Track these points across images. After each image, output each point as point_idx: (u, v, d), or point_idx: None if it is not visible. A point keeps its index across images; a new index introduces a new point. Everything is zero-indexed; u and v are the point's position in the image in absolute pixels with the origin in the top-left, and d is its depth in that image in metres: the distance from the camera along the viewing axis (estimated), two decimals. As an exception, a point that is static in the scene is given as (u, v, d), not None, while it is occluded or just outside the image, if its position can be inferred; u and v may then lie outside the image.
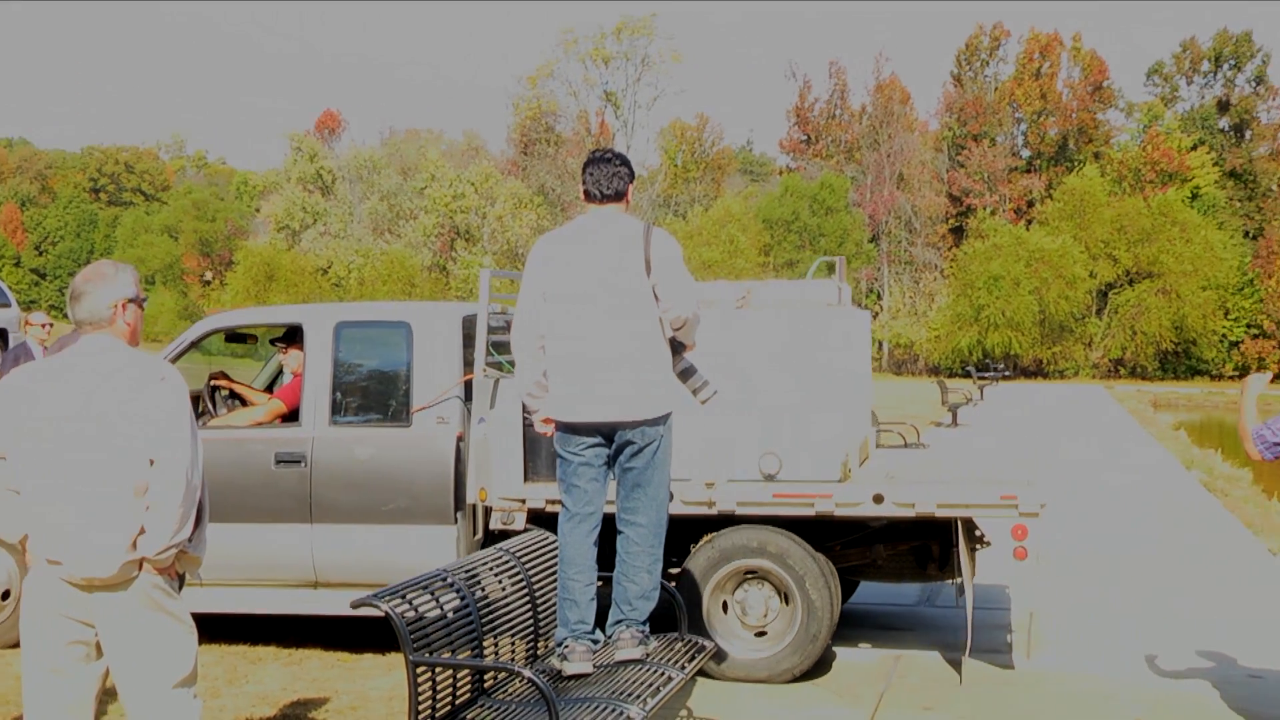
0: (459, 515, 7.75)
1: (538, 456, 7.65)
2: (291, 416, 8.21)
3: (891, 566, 8.23)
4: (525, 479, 7.69)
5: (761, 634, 7.59)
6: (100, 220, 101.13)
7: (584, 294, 5.73)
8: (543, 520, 7.45)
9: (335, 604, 7.82)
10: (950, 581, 8.12)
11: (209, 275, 62.23)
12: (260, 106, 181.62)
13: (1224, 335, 63.68)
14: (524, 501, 7.65)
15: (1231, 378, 62.21)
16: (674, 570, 8.11)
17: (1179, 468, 20.89)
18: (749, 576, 7.58)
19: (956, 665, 7.97)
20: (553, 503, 7.49)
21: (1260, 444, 6.17)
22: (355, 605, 4.98)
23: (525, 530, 7.34)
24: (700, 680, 7.41)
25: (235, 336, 9.39)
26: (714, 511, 7.47)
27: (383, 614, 4.92)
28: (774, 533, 7.49)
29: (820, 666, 7.67)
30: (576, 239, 5.88)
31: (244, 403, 8.79)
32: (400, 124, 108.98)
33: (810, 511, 7.40)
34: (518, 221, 66.21)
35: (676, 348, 5.95)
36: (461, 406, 7.85)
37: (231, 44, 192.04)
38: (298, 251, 68.00)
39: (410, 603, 5.08)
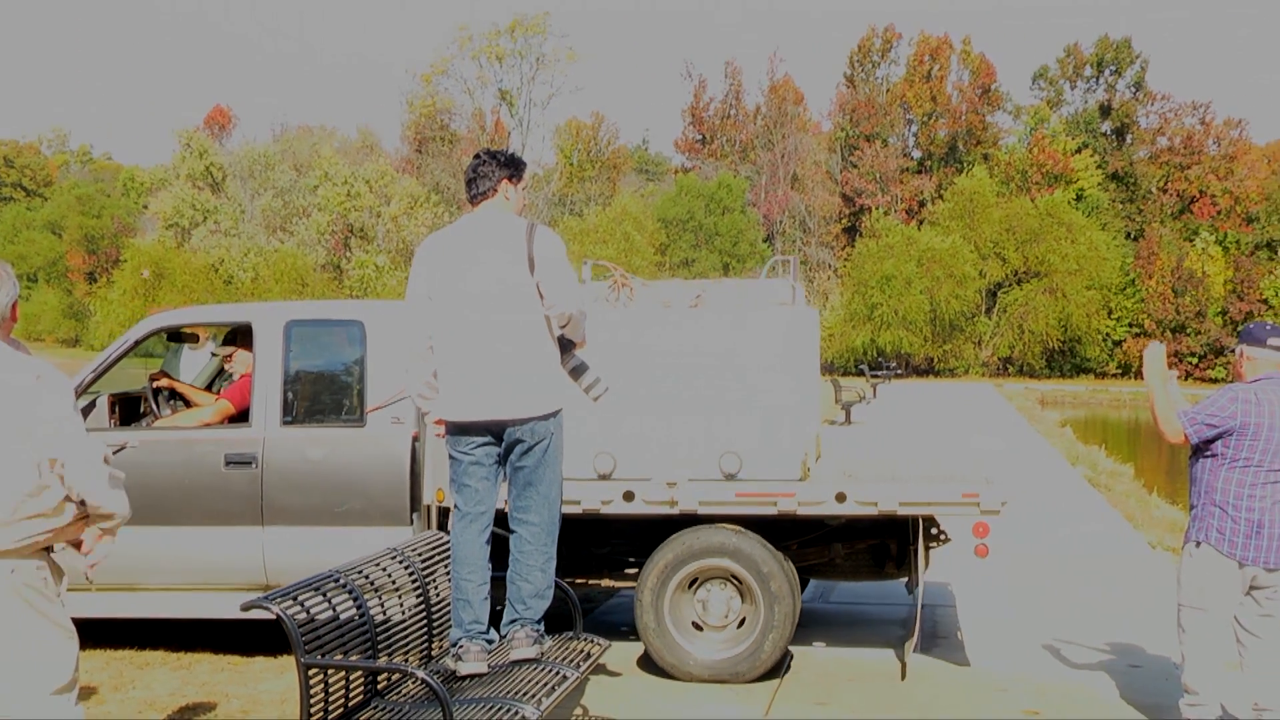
0: (414, 517, 7.64)
1: None
2: (240, 417, 8.04)
3: (849, 565, 8.24)
4: None
5: (723, 634, 7.57)
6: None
7: (468, 293, 5.74)
8: (500, 521, 7.36)
9: None
10: (904, 580, 8.14)
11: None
12: (147, 101, 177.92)
13: (1107, 334, 65.21)
14: None
15: (1115, 375, 63.77)
16: (632, 571, 8.12)
17: (1065, 464, 21.34)
18: (710, 577, 7.56)
19: (850, 661, 8.07)
20: None
21: (1192, 425, 6.29)
22: (245, 608, 4.90)
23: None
24: (595, 679, 7.41)
25: (177, 336, 9.20)
26: (676, 511, 7.43)
27: (274, 616, 4.84)
28: (735, 532, 7.47)
29: (779, 666, 7.68)
30: (459, 238, 5.90)
31: (187, 403, 8.59)
32: (292, 120, 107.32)
33: (773, 510, 7.39)
34: (413, 220, 65.65)
35: (566, 345, 5.97)
36: None
37: (116, 35, 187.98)
38: (188, 250, 66.72)
39: (302, 604, 5.01)
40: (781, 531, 7.71)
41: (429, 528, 7.64)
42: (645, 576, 7.53)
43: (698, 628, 7.59)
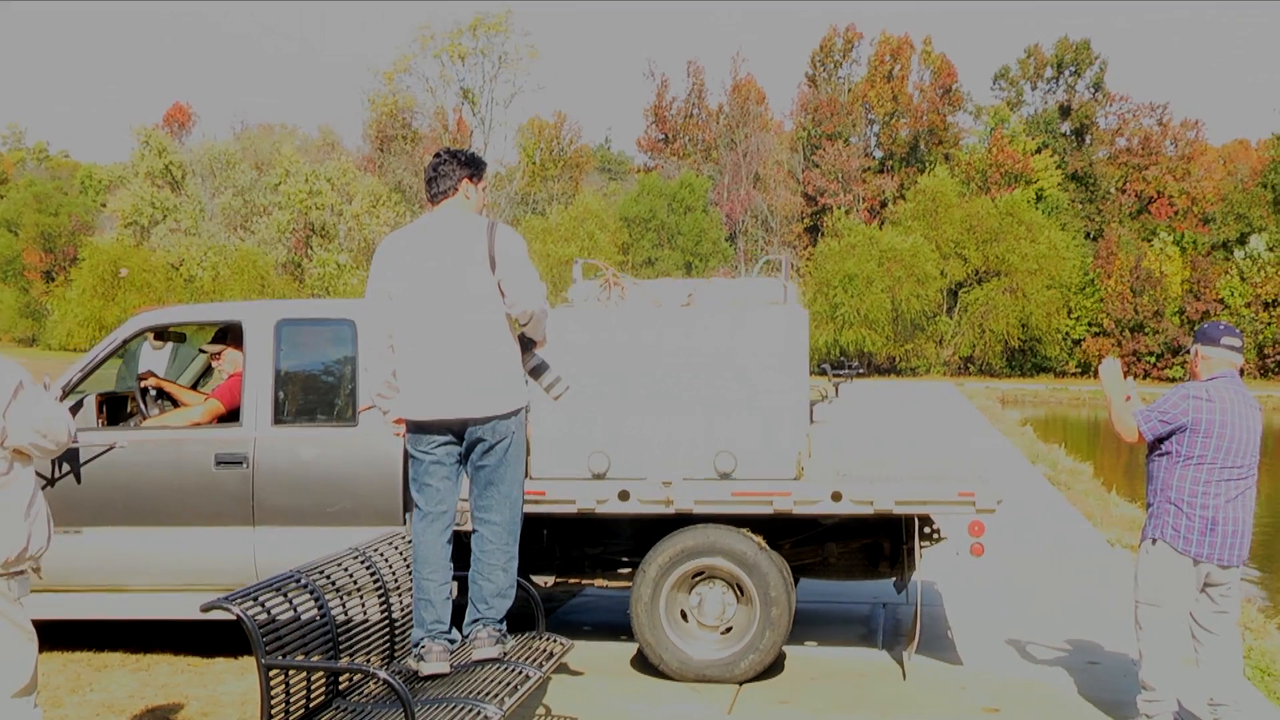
0: (407, 517, 7.56)
1: None
2: (229, 417, 7.99)
3: (842, 564, 8.21)
4: None
5: (719, 634, 7.55)
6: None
7: (429, 292, 5.74)
8: None
9: None
10: (897, 580, 8.14)
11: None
12: (105, 98, 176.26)
13: (1067, 333, 65.64)
14: None
15: (1074, 375, 64.17)
16: (625, 571, 8.09)
17: (1025, 462, 21.47)
18: (706, 576, 7.53)
19: (812, 659, 8.10)
20: None
21: (1146, 423, 6.43)
22: (205, 608, 4.87)
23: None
24: (558, 678, 7.41)
25: (164, 335, 9.13)
26: (671, 511, 7.40)
27: (234, 617, 4.82)
28: (730, 532, 7.44)
29: (774, 666, 7.65)
30: (419, 238, 5.90)
31: (174, 402, 8.52)
32: (252, 118, 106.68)
33: (769, 510, 7.36)
34: (375, 219, 65.37)
35: (526, 344, 5.98)
36: None
37: (73, 31, 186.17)
38: (147, 248, 66.17)
39: (262, 605, 4.99)
40: (775, 530, 7.69)
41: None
42: (641, 576, 7.50)
43: (690, 624, 7.56)
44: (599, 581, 8.41)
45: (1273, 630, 9.73)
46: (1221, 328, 6.56)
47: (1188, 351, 6.76)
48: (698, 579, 7.55)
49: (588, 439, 7.54)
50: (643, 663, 7.79)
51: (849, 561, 8.21)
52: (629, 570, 8.02)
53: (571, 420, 7.49)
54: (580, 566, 8.19)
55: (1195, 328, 6.68)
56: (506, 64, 72.60)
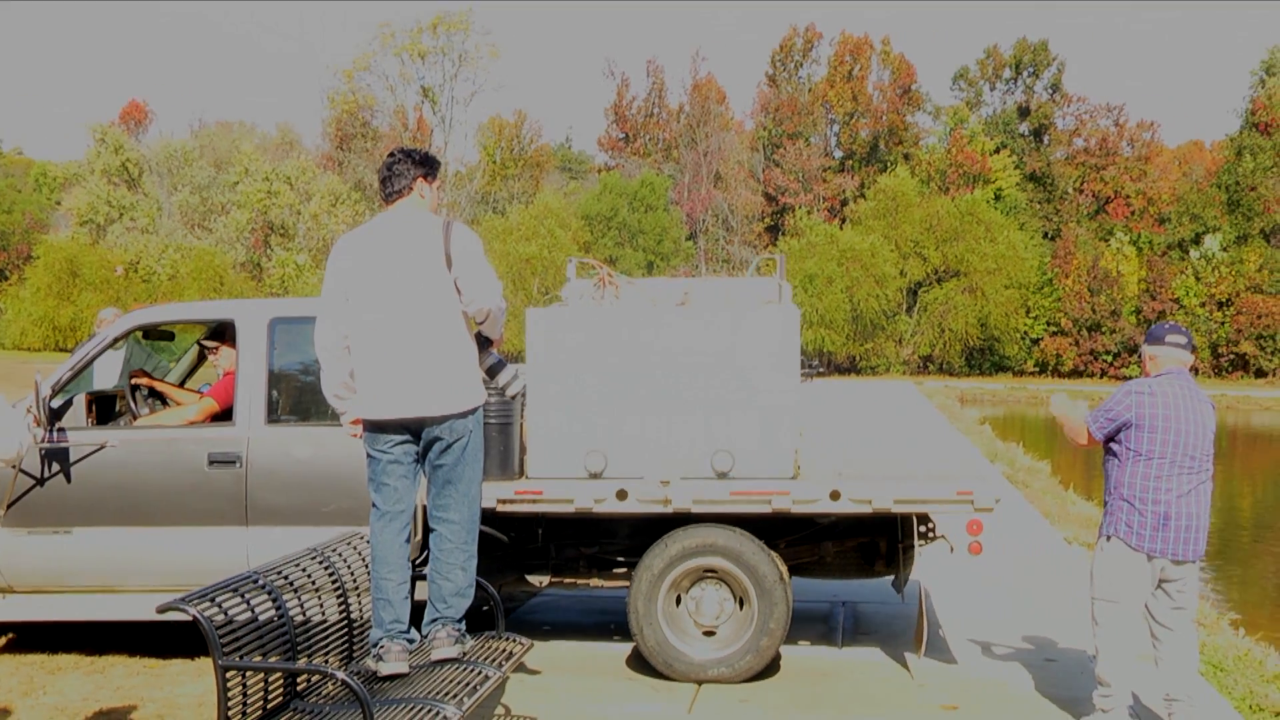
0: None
1: (486, 455, 7.47)
2: (223, 416, 7.92)
3: (838, 563, 8.20)
4: None
5: (717, 633, 7.53)
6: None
7: (385, 291, 5.74)
8: (491, 520, 7.27)
9: None
10: (894, 579, 8.13)
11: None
12: (59, 94, 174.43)
13: (1025, 333, 66.09)
14: None
15: (1032, 374, 64.63)
16: (620, 570, 8.06)
17: (984, 460, 21.57)
18: (703, 576, 7.51)
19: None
20: (504, 502, 7.35)
21: (1094, 423, 6.55)
22: (161, 610, 4.83)
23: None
24: (517, 677, 7.40)
25: (153, 333, 9.07)
26: (669, 510, 7.37)
27: (190, 618, 4.79)
28: (728, 531, 7.42)
29: (770, 667, 7.63)
30: (375, 237, 5.89)
31: (164, 401, 8.45)
32: (210, 116, 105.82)
33: (767, 509, 7.34)
34: (334, 218, 65.04)
35: (483, 343, 5.98)
36: None
37: (25, 26, 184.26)
38: (103, 247, 65.54)
39: (219, 606, 4.96)
40: (771, 530, 7.68)
41: (417, 531, 7.56)
42: (638, 576, 7.47)
43: (691, 628, 7.53)
44: (594, 581, 8.38)
45: (1225, 626, 9.84)
46: (1167, 327, 6.65)
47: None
48: (697, 579, 7.53)
49: (584, 438, 7.51)
50: (605, 662, 7.78)
51: (844, 561, 8.20)
52: (625, 570, 8.00)
53: (568, 419, 7.48)
54: (575, 566, 8.16)
55: (1150, 327, 6.78)
56: (467, 63, 72.40)
